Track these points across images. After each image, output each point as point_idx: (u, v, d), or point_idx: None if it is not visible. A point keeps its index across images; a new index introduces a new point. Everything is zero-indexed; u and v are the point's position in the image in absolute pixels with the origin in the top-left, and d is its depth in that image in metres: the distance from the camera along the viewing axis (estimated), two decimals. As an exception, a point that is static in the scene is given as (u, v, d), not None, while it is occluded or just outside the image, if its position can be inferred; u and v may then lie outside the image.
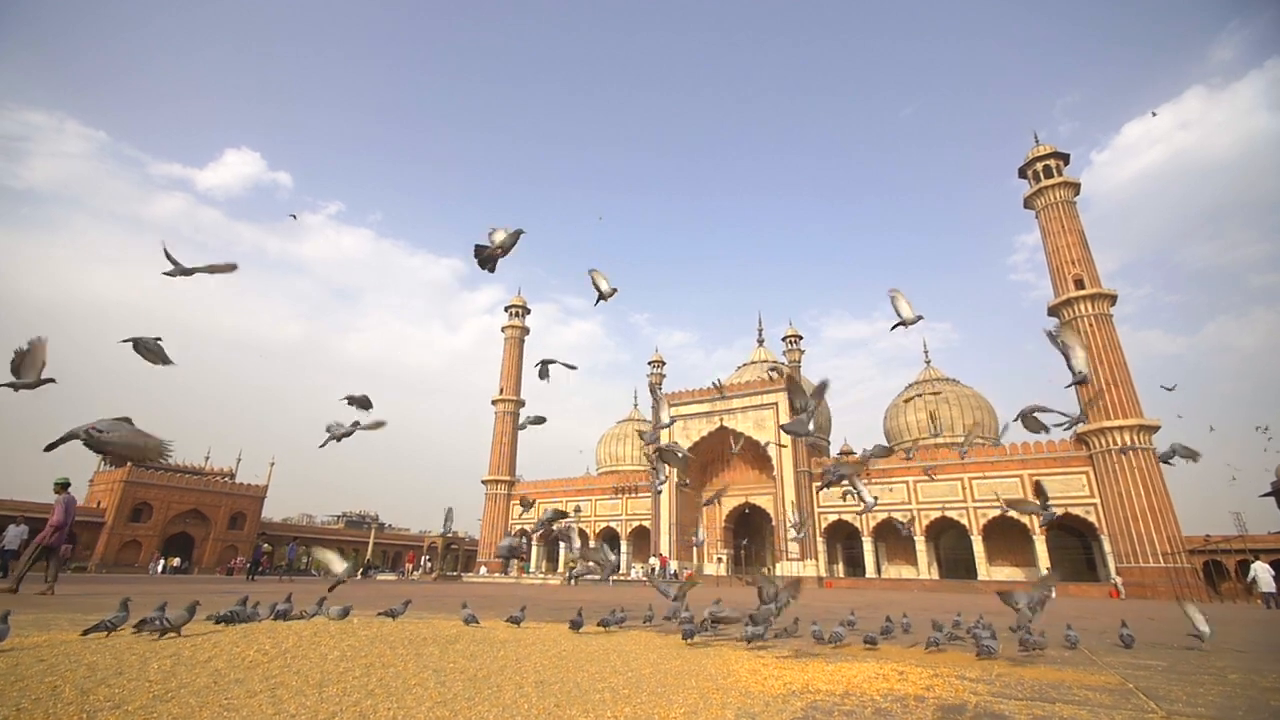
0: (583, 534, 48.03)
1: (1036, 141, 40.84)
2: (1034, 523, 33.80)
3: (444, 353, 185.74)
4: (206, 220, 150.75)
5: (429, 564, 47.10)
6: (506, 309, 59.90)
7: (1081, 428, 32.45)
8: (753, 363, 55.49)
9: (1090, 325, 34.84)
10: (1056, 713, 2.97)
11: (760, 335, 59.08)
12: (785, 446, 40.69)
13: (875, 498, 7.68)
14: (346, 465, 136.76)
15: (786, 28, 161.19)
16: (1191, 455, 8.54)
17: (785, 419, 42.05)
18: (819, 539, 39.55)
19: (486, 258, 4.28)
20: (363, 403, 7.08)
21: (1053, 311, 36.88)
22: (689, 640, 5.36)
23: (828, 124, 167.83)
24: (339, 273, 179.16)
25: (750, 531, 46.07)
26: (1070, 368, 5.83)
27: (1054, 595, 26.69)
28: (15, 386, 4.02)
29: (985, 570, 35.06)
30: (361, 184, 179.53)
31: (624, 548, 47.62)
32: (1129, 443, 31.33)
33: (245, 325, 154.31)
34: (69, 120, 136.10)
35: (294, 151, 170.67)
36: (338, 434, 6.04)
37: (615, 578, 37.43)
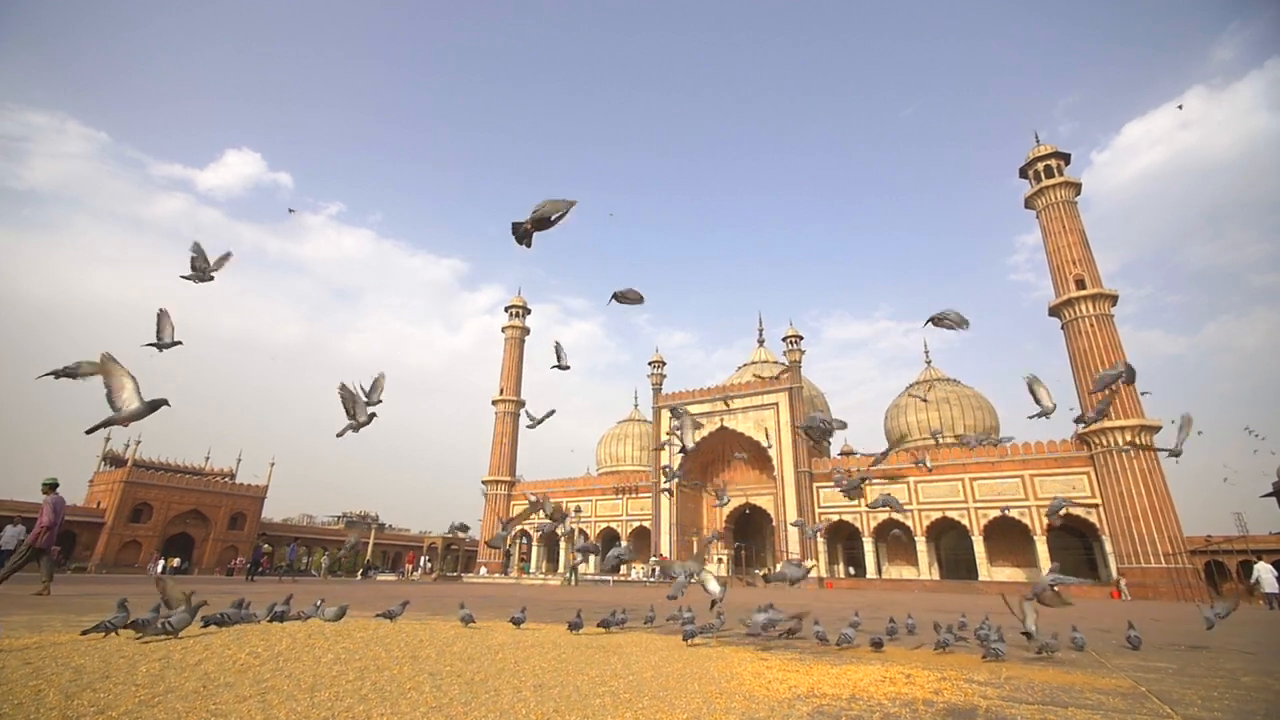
0: (584, 534, 47.96)
1: (1037, 141, 40.80)
2: (1036, 523, 33.78)
3: (444, 353, 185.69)
4: (207, 220, 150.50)
5: (429, 564, 47.03)
6: (507, 309, 59.91)
7: (1083, 428, 32.38)
8: (753, 363, 55.45)
9: (1091, 325, 34.77)
10: (1070, 717, 2.89)
11: (761, 335, 59.09)
12: (785, 450, 40.72)
13: (898, 500, 8.10)
14: (346, 465, 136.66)
15: (786, 28, 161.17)
16: (1185, 435, 8.93)
17: (786, 419, 42.03)
18: (819, 539, 39.47)
19: (523, 233, 4.20)
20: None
21: (1054, 311, 36.81)
22: (689, 641, 5.29)
23: (828, 124, 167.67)
24: (339, 273, 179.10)
25: (751, 532, 46.01)
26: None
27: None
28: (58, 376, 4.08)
29: (986, 571, 34.97)
30: (362, 184, 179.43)
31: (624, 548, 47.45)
32: (1130, 442, 31.27)
33: (245, 325, 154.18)
34: (70, 121, 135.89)
35: (294, 151, 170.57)
36: (357, 421, 5.87)
37: (615, 577, 37.36)
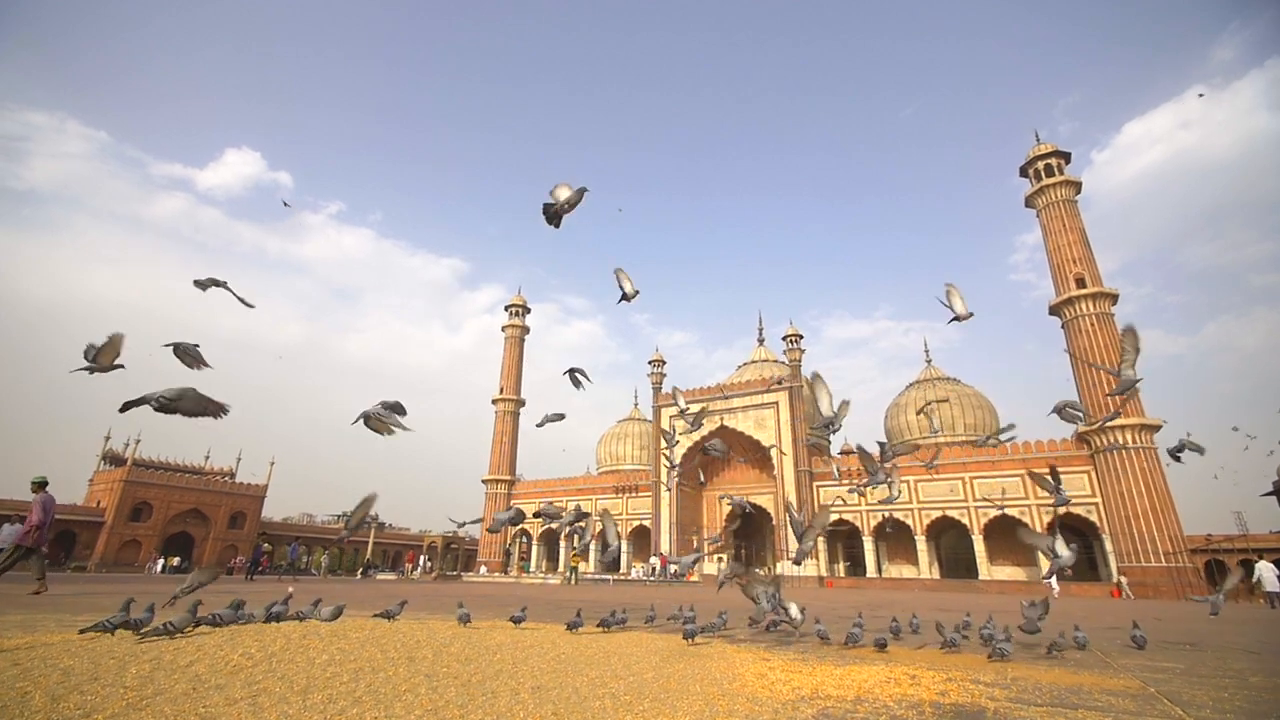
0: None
1: (1037, 140, 40.69)
2: (1036, 522, 33.70)
3: (444, 352, 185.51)
4: (207, 220, 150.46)
5: (429, 564, 46.94)
6: (507, 308, 59.81)
7: (1083, 427, 32.30)
8: (753, 362, 55.31)
9: (1091, 324, 34.70)
10: (1080, 720, 2.83)
11: (761, 335, 58.90)
12: (786, 454, 40.68)
13: (899, 492, 9.01)
14: (346, 465, 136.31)
15: (786, 28, 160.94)
16: (1198, 449, 8.98)
17: (786, 419, 41.97)
18: (820, 538, 39.42)
19: (553, 214, 4.45)
20: (396, 408, 7.12)
21: (1054, 310, 36.73)
22: (690, 641, 5.22)
23: (828, 124, 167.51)
24: (339, 273, 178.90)
25: (751, 531, 45.95)
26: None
27: (1056, 592, 26.55)
28: (91, 370, 4.38)
29: (986, 570, 34.92)
30: (362, 184, 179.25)
31: (624, 547, 47.48)
32: (1130, 442, 31.20)
33: (245, 325, 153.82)
34: (70, 120, 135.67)
35: (294, 151, 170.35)
36: (384, 425, 5.82)
37: (615, 577, 37.32)
